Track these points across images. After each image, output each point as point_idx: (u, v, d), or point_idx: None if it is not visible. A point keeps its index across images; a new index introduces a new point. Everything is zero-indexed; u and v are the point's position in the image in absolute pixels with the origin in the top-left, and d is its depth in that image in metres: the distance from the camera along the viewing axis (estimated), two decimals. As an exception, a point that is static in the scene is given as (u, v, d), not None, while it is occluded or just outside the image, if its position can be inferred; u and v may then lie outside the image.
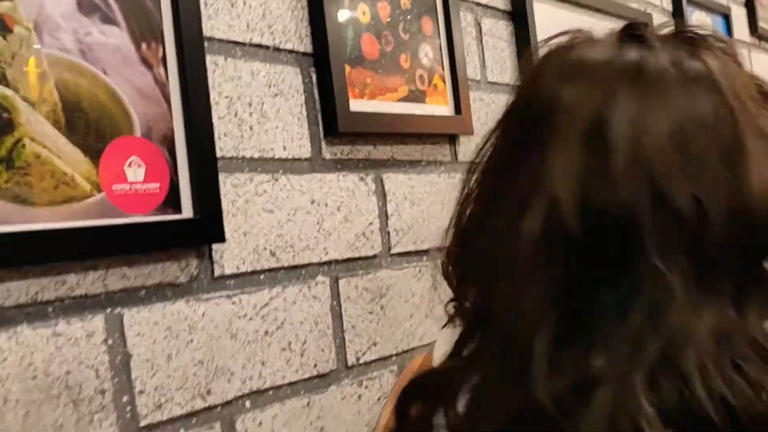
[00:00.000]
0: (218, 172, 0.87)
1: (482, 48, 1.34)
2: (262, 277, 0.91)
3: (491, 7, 1.38)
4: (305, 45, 1.01)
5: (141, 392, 0.76)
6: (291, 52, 1.00)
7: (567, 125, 0.54)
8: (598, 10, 1.66)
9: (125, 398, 0.75)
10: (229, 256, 0.88)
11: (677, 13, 2.07)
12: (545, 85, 0.58)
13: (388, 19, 1.13)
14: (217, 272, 0.86)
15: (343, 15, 1.05)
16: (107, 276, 0.76)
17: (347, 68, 1.05)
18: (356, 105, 1.05)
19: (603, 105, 0.54)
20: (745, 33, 2.56)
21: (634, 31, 0.59)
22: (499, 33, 1.39)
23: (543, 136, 0.56)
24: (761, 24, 2.61)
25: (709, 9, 2.25)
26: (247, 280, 0.89)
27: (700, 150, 0.53)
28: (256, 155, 0.93)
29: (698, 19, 2.18)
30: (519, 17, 1.42)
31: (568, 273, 0.53)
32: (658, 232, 0.51)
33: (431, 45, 1.21)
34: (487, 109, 1.33)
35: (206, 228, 0.84)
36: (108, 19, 0.78)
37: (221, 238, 0.85)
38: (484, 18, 1.35)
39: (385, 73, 1.11)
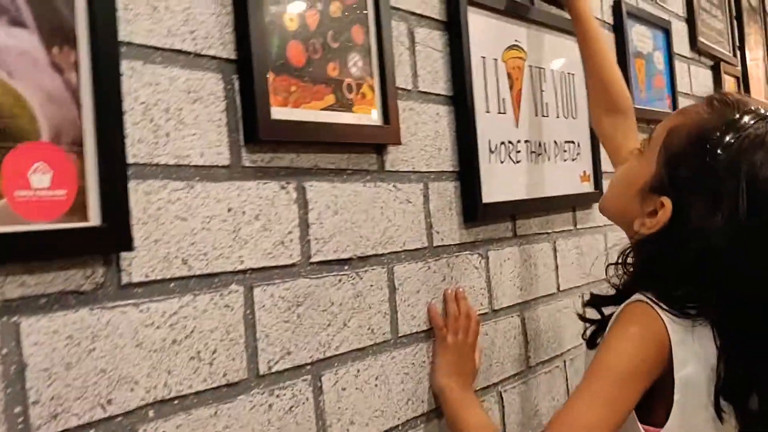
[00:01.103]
0: (129, 179, 0.86)
1: (414, 58, 1.35)
2: (172, 285, 0.90)
3: (426, 17, 1.38)
4: (228, 51, 1.01)
5: (35, 403, 0.75)
6: (213, 58, 0.99)
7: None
8: (534, 22, 1.67)
9: (17, 409, 0.74)
10: (138, 264, 0.87)
11: (618, 26, 2.10)
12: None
13: (317, 27, 1.13)
14: (124, 280, 0.85)
15: (269, 21, 1.05)
16: (5, 284, 0.74)
17: (271, 75, 1.04)
18: (279, 113, 1.05)
19: None
20: (685, 48, 2.61)
21: None
22: (433, 43, 1.39)
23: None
24: (701, 39, 2.66)
25: (650, 23, 2.29)
26: (157, 288, 0.89)
27: None
28: (172, 162, 0.92)
29: (638, 32, 2.21)
30: (453, 27, 1.43)
31: None
32: None
33: (361, 54, 1.21)
34: (417, 119, 1.34)
35: (113, 236, 0.83)
36: (17, 22, 0.77)
37: (129, 247, 0.85)
38: (418, 27, 1.36)
39: (312, 81, 1.11)
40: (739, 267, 1.00)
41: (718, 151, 1.01)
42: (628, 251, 1.13)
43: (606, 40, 1.56)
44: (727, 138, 1.01)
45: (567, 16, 1.75)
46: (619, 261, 1.13)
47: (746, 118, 1.03)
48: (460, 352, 1.29)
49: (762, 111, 1.05)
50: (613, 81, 1.50)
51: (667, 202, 1.04)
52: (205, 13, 0.98)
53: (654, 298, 1.02)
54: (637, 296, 1.04)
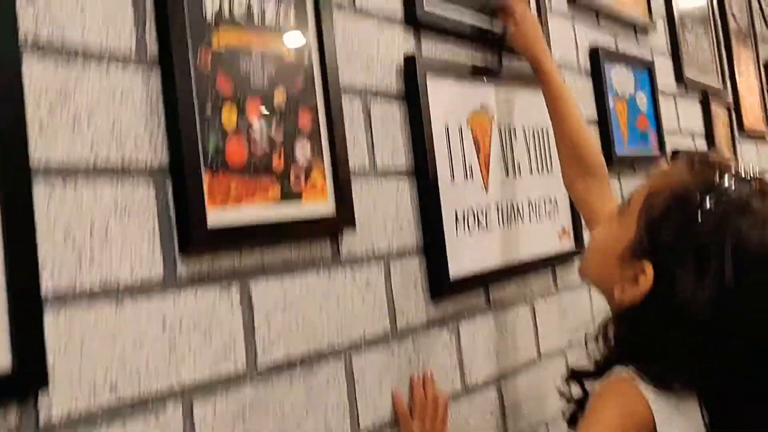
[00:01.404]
0: (49, 308, 0.82)
1: (371, 134, 1.31)
2: (99, 416, 0.86)
3: (381, 92, 1.34)
4: (160, 157, 0.97)
5: None
6: (144, 166, 0.95)
7: None
8: (502, 80, 1.63)
9: None
10: (58, 400, 0.83)
11: (595, 72, 2.06)
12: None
13: (260, 119, 1.09)
14: (42, 421, 0.81)
15: (204, 121, 1.01)
16: None
17: (207, 177, 1.00)
18: (217, 216, 1.01)
19: None
20: (671, 83, 2.57)
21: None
22: (391, 116, 1.35)
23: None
24: (687, 74, 2.62)
25: (631, 64, 2.25)
26: (81, 422, 0.84)
27: None
28: (97, 283, 0.88)
29: (618, 74, 2.17)
30: (412, 99, 1.39)
31: None
32: None
33: (310, 140, 1.17)
34: (376, 197, 1.29)
35: (27, 377, 0.79)
36: None
37: (44, 384, 0.80)
38: (374, 103, 1.32)
39: (254, 176, 1.07)
40: (727, 334, 0.95)
41: (701, 215, 0.97)
42: (608, 323, 1.07)
43: (574, 100, 1.52)
44: (710, 202, 0.97)
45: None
46: (600, 334, 1.08)
47: (728, 181, 0.99)
48: (428, 441, 1.24)
49: (743, 173, 1.02)
50: (583, 143, 1.46)
51: (649, 267, 0.99)
52: (134, 121, 0.95)
53: (636, 373, 0.97)
54: (618, 369, 0.99)
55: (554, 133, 1.51)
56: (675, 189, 1.01)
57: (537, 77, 1.55)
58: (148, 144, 0.96)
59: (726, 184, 0.99)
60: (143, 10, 0.98)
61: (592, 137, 1.50)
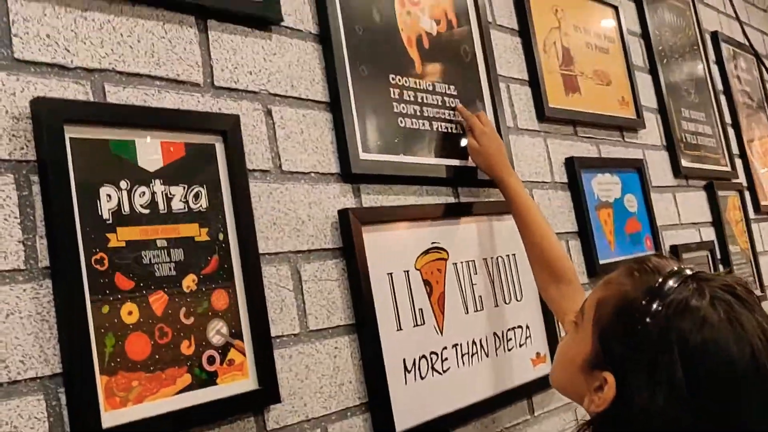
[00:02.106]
0: None
1: (303, 297, 1.31)
2: None
3: (315, 250, 1.34)
4: (52, 366, 0.99)
5: None
6: (34, 379, 0.97)
7: None
8: (455, 216, 1.62)
9: None
10: None
11: (572, 181, 2.04)
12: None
13: (165, 309, 1.10)
14: None
15: (100, 322, 1.02)
16: None
17: (103, 379, 1.02)
18: (115, 417, 1.02)
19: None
20: (668, 177, 2.53)
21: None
22: (326, 274, 1.35)
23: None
24: (685, 163, 2.57)
25: (614, 167, 2.21)
26: None
27: None
28: None
29: (600, 182, 2.14)
30: (348, 252, 1.39)
31: None
32: None
33: (225, 319, 1.17)
34: (309, 362, 1.29)
35: None
36: None
37: None
38: (305, 264, 1.32)
39: (160, 368, 1.08)
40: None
41: (647, 322, 0.97)
42: (583, 429, 1.06)
43: (539, 213, 1.59)
44: (653, 307, 0.97)
45: (492, 198, 1.70)
46: None
47: (669, 282, 0.99)
48: None
49: (685, 271, 1.01)
50: (553, 253, 1.54)
51: (610, 377, 0.99)
52: (22, 335, 0.97)
53: None
54: None
55: (524, 244, 1.59)
56: (619, 298, 1.02)
57: (501, 192, 1.62)
58: (38, 358, 0.97)
59: (665, 288, 0.99)
60: (32, 221, 1.00)
61: (559, 245, 1.57)
